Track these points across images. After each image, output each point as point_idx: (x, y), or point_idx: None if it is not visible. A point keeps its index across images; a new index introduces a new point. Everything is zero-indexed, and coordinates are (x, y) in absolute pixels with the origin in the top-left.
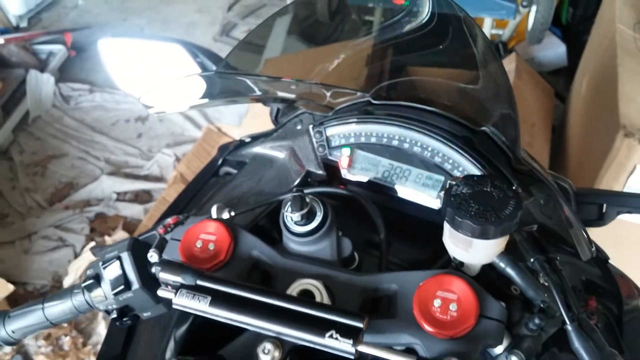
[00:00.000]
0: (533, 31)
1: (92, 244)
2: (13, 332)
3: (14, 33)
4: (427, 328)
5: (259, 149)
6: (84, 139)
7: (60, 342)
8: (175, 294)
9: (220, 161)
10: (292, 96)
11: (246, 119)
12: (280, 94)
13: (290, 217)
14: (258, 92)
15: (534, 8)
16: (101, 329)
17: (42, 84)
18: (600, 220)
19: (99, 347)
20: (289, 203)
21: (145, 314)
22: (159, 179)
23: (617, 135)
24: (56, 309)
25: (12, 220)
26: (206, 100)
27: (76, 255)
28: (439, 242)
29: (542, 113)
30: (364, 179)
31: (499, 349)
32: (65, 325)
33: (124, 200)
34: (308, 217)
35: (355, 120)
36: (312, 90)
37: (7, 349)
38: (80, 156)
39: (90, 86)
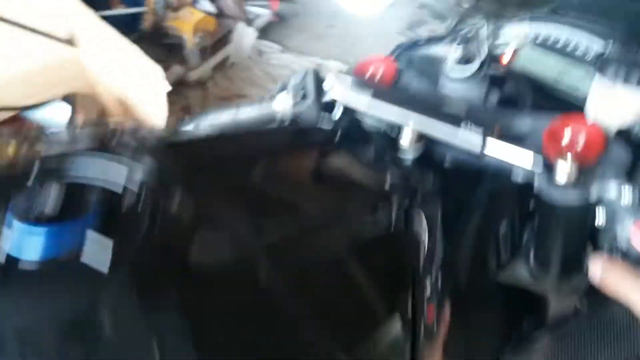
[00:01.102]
0: None
1: None
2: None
3: None
4: (553, 152)
5: (431, 50)
6: (266, 88)
7: None
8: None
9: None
10: None
11: None
12: None
13: (453, 56)
14: None
15: None
16: None
17: (245, 36)
18: None
19: None
20: (454, 43)
21: None
22: None
23: None
24: (245, 112)
25: None
26: None
27: None
28: None
29: None
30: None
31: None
32: None
33: None
34: (468, 59)
35: (528, 20)
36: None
37: None
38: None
39: (283, 48)
